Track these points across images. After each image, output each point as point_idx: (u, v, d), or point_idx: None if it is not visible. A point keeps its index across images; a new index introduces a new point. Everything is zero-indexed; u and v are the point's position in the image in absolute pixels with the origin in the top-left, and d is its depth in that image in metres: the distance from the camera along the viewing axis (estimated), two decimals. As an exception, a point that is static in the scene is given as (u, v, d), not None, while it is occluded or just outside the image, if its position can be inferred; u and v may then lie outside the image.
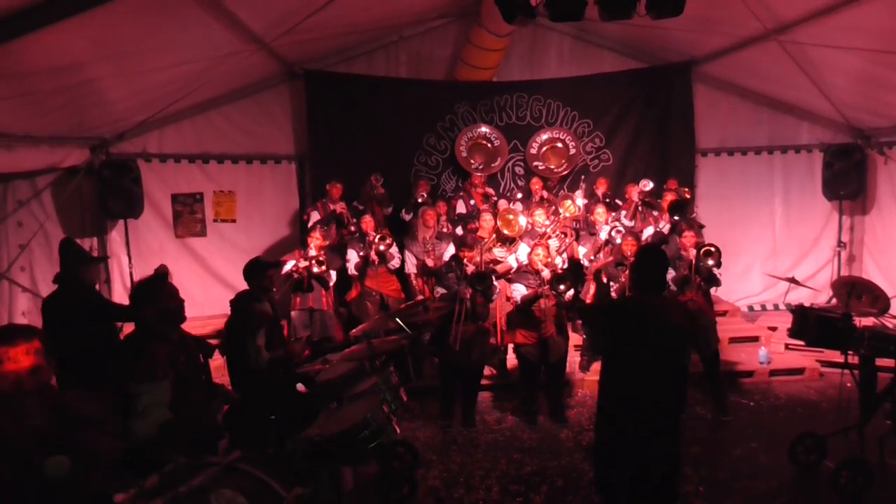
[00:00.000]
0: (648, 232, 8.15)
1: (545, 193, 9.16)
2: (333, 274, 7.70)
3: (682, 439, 4.20)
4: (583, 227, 8.68)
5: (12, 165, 6.79)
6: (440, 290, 6.58)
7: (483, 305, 6.60)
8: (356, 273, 7.83)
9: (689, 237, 6.81)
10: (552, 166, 9.74)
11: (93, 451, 2.88)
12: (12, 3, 4.31)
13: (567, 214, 8.27)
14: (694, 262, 6.57)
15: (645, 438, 3.81)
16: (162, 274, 3.79)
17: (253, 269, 5.47)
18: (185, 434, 3.36)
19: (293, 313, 7.54)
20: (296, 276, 7.31)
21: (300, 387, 5.00)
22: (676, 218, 7.83)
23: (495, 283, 6.54)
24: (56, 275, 5.42)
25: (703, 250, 6.54)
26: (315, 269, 7.32)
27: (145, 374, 3.35)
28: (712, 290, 6.97)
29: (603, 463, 4.09)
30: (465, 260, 6.61)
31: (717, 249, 6.53)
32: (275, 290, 7.22)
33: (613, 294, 6.94)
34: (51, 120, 6.92)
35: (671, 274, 6.72)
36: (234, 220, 9.63)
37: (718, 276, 6.69)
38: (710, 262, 6.47)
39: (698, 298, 6.62)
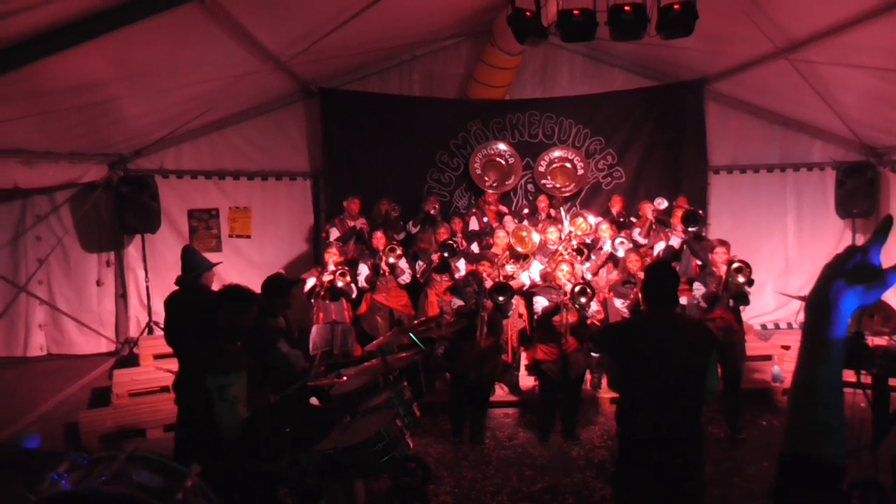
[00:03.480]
0: (659, 247, 8.15)
1: (552, 211, 9.19)
2: (354, 287, 7.68)
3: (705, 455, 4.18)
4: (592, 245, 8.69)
5: (33, 181, 6.95)
6: (457, 302, 6.54)
7: (500, 320, 6.62)
8: (366, 286, 7.84)
9: (720, 253, 6.60)
10: (558, 185, 9.76)
11: None
12: (38, 24, 4.44)
13: (579, 232, 8.28)
14: (724, 278, 6.40)
15: (666, 453, 3.81)
16: (243, 288, 4.12)
17: (275, 286, 5.44)
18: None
19: (314, 328, 7.46)
20: (322, 292, 7.28)
21: (314, 400, 5.04)
22: (691, 229, 7.82)
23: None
24: (177, 277, 5.83)
25: (733, 267, 6.32)
26: (339, 283, 7.29)
27: (226, 367, 3.75)
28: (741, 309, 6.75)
29: (623, 481, 4.05)
30: (483, 275, 6.65)
31: (748, 266, 6.33)
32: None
33: (625, 311, 6.94)
34: (71, 137, 7.07)
35: (701, 290, 6.65)
36: (248, 236, 9.70)
37: (749, 293, 6.49)
38: (741, 280, 6.29)
39: (727, 316, 6.49)
